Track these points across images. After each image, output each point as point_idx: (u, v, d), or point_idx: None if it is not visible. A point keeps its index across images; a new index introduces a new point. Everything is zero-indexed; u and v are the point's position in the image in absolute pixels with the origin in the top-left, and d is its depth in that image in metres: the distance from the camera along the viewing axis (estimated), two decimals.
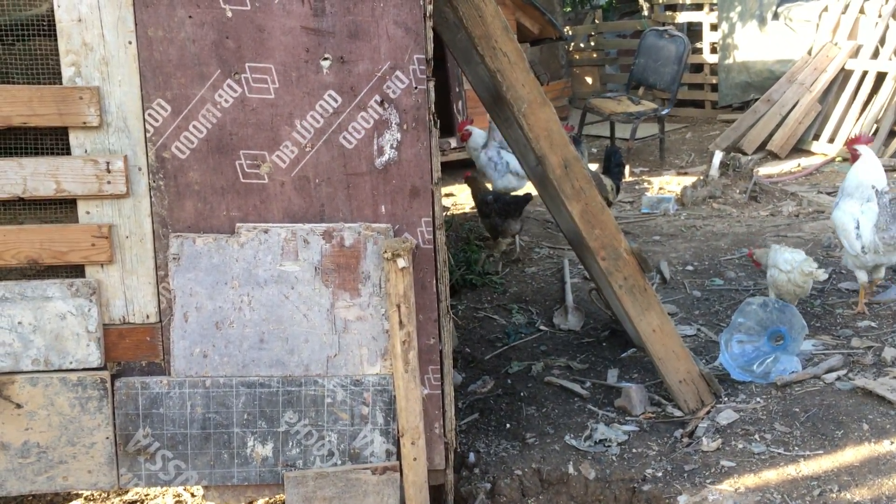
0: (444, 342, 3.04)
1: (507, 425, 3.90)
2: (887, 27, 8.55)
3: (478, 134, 6.82)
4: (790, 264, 4.40)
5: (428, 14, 2.79)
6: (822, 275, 4.38)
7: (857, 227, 4.35)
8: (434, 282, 2.97)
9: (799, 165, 8.29)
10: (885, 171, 7.52)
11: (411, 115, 2.86)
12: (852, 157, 4.51)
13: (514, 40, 3.29)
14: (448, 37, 3.84)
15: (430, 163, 2.90)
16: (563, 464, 3.53)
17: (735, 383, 3.96)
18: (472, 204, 6.50)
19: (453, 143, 8.24)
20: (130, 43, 2.76)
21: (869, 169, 4.43)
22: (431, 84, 2.87)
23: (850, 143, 4.62)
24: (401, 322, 2.84)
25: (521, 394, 4.18)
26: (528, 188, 6.71)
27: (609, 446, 3.64)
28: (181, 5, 2.74)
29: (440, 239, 2.95)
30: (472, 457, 3.64)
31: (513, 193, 6.30)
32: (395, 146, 2.88)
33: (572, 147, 3.50)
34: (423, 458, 2.97)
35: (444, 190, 7.74)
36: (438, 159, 2.93)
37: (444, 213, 6.63)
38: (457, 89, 8.29)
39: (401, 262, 2.78)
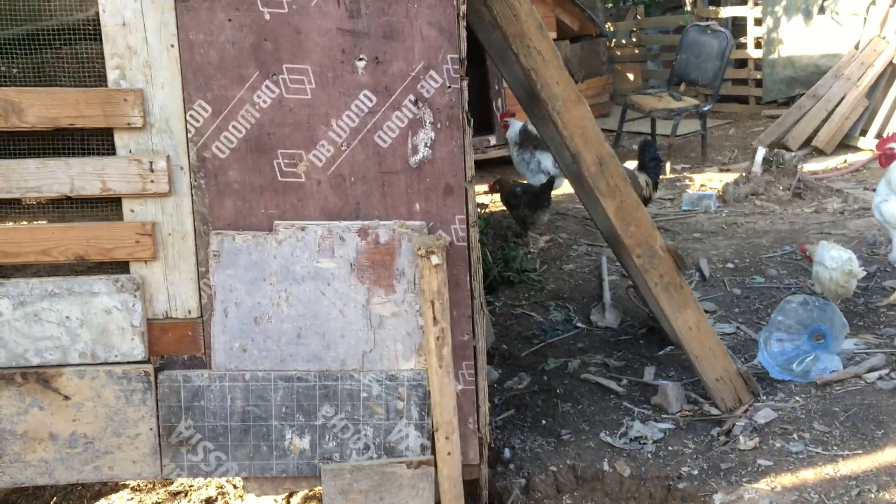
0: (479, 338, 3.07)
1: (543, 422, 3.92)
2: None
3: (515, 126, 6.86)
4: (836, 261, 4.36)
5: (461, 14, 2.82)
6: (861, 272, 4.34)
7: None
8: (468, 278, 3.00)
9: (845, 162, 8.15)
10: None
11: (445, 113, 2.89)
12: (885, 156, 4.46)
13: (549, 38, 3.31)
14: (484, 36, 3.87)
15: (464, 161, 2.93)
16: (598, 461, 3.54)
17: (774, 382, 3.93)
18: None
19: (492, 140, 8.26)
20: (172, 46, 2.84)
21: None
22: (465, 83, 2.90)
23: (882, 142, 4.57)
24: (435, 318, 2.88)
25: (557, 390, 4.19)
26: (565, 186, 6.72)
27: (645, 444, 3.64)
28: (221, 9, 2.81)
29: (474, 236, 2.98)
30: (507, 452, 3.66)
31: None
32: (429, 145, 2.92)
33: (607, 144, 3.50)
34: (457, 452, 3.01)
35: (482, 187, 7.75)
36: (472, 157, 2.96)
37: (482, 211, 6.68)
38: (496, 87, 8.30)
39: (434, 259, 2.82)
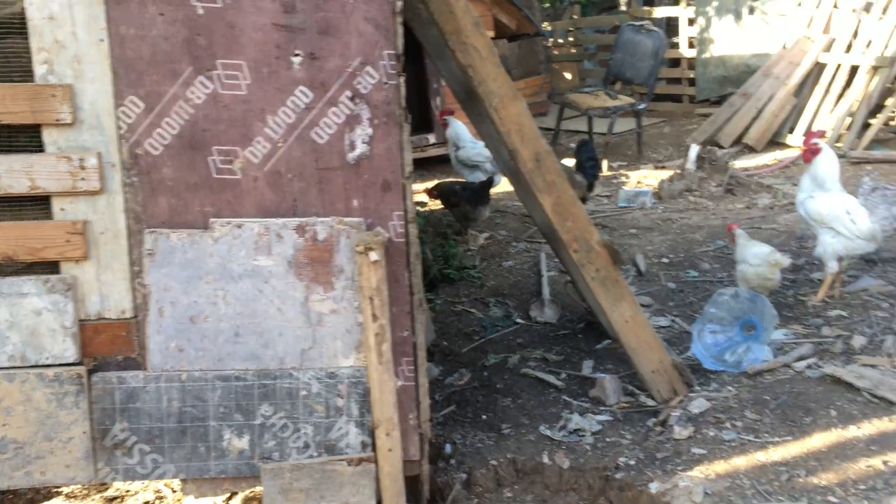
0: (418, 334, 3.08)
1: (484, 417, 3.95)
2: (860, 21, 8.66)
3: (454, 125, 6.91)
4: (759, 258, 4.49)
5: (397, 10, 2.82)
6: (785, 260, 4.48)
7: (849, 214, 4.47)
8: (406, 275, 3.01)
9: (775, 159, 8.38)
10: (859, 162, 7.69)
11: (382, 110, 2.89)
12: (809, 151, 4.61)
13: (485, 35, 3.33)
14: (421, 32, 3.88)
15: (402, 157, 2.93)
16: (537, 454, 3.58)
17: (707, 373, 4.03)
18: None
19: (431, 139, 8.28)
20: (102, 41, 2.77)
21: (834, 161, 4.58)
22: (402, 79, 2.90)
23: (808, 137, 4.72)
24: (374, 315, 2.88)
25: (498, 386, 4.23)
26: (504, 185, 6.78)
27: (583, 436, 3.70)
28: (152, 3, 2.76)
29: (412, 232, 2.99)
30: (448, 448, 3.68)
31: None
32: (366, 141, 2.91)
33: (543, 141, 3.55)
34: (397, 449, 3.01)
35: (423, 185, 7.77)
36: (410, 153, 2.97)
37: (423, 209, 6.70)
38: (435, 85, 8.33)
39: (373, 256, 2.82)
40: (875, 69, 8.25)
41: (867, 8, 8.64)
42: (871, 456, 3.21)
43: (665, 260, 5.73)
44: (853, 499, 2.99)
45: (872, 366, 3.84)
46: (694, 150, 7.81)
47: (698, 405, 3.71)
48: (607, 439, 3.65)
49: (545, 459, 3.55)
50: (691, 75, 10.91)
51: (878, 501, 2.96)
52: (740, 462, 3.30)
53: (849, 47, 8.67)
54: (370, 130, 2.91)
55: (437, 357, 4.61)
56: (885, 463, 3.17)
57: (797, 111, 8.81)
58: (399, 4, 2.82)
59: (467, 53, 3.34)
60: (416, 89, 8.22)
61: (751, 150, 8.69)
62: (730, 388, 3.85)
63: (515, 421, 3.88)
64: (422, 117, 8.26)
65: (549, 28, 12.90)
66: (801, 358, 4.01)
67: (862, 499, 2.99)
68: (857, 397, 3.61)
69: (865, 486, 3.05)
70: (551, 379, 4.21)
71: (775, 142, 8.79)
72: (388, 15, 2.81)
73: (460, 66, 3.40)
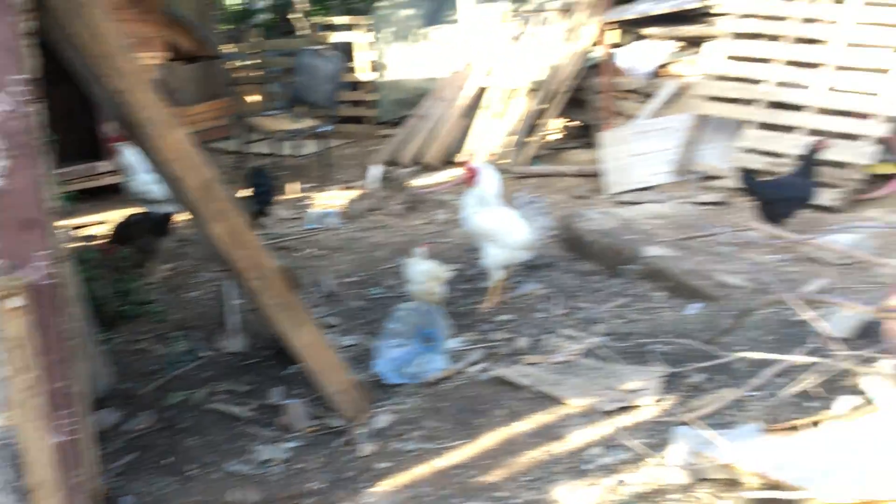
0: (77, 384, 2.83)
1: (168, 460, 3.73)
2: (513, 49, 9.55)
3: (127, 154, 6.53)
4: (422, 275, 4.75)
5: (23, 31, 2.58)
6: (445, 273, 4.80)
7: (508, 227, 4.83)
8: (60, 320, 2.75)
9: (451, 176, 8.94)
10: (521, 177, 8.42)
11: (17, 140, 2.62)
12: (470, 174, 5.00)
13: (136, 60, 3.17)
14: (70, 56, 3.60)
15: (44, 192, 2.69)
16: (225, 492, 3.46)
17: (392, 387, 4.16)
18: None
19: (102, 167, 7.75)
20: None
21: (493, 179, 4.99)
22: (39, 107, 2.66)
23: (469, 159, 5.13)
24: (21, 367, 2.60)
25: (183, 425, 4.03)
26: None
27: (273, 466, 3.64)
28: None
29: (62, 272, 2.75)
30: (128, 500, 3.43)
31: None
32: (1, 175, 2.62)
33: (210, 168, 3.45)
34: None
35: (96, 217, 7.26)
36: (53, 187, 2.73)
37: (95, 243, 6.22)
38: (104, 110, 7.79)
39: (13, 302, 2.54)
40: (530, 92, 9.13)
41: (517, 37, 9.56)
42: (534, 448, 3.51)
43: (352, 279, 5.85)
44: (520, 491, 3.25)
45: (535, 364, 4.22)
46: (374, 170, 8.09)
47: (383, 420, 3.82)
48: (297, 466, 3.63)
49: (235, 497, 3.43)
50: (373, 98, 11.30)
51: (540, 490, 3.24)
52: (422, 470, 3.44)
53: (507, 73, 9.51)
54: (4, 163, 2.62)
55: (117, 402, 4.28)
56: (546, 452, 3.48)
57: (466, 132, 9.47)
58: (26, 25, 2.58)
59: (119, 79, 3.16)
60: (83, 114, 7.64)
61: (429, 168, 9.19)
62: (412, 399, 4.02)
63: (202, 460, 3.72)
64: (91, 144, 7.69)
65: (235, 49, 12.66)
66: (473, 363, 4.29)
67: (528, 489, 3.25)
68: (523, 395, 3.94)
69: (531, 477, 3.33)
70: (238, 411, 4.09)
71: (450, 161, 9.38)
72: (14, 37, 2.56)
73: (113, 92, 3.20)
